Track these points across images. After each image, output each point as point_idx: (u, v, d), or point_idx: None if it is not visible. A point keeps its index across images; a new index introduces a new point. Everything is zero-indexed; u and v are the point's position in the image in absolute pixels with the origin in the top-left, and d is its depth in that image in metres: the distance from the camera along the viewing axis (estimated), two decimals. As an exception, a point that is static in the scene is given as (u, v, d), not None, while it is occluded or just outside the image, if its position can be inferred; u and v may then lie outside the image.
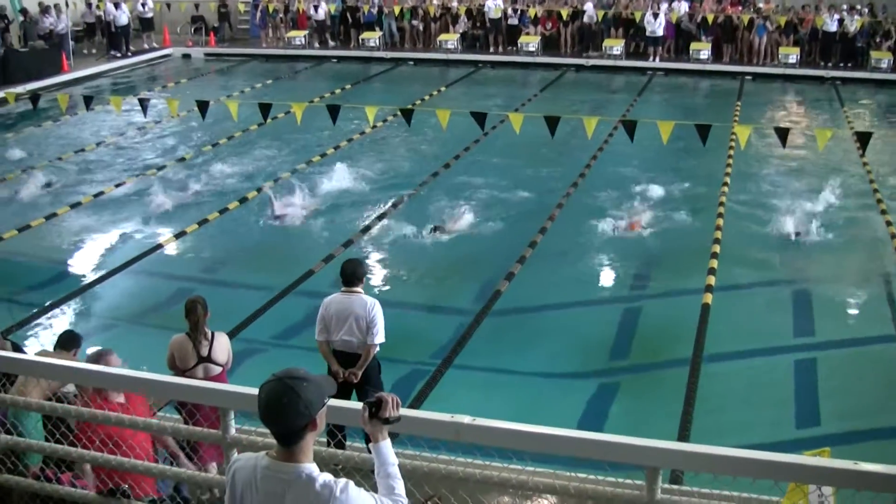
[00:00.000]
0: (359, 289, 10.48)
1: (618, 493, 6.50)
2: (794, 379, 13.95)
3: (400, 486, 5.14)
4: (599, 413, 12.81)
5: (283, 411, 4.66)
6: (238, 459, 5.00)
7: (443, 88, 35.00)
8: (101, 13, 41.53)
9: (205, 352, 9.90)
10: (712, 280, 16.47)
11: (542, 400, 12.94)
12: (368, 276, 12.15)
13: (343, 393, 9.77)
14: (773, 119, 30.30)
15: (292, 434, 4.72)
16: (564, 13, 40.31)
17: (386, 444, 5.18)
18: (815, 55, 37.89)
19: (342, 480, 4.76)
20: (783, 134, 17.79)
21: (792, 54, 37.09)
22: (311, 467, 4.75)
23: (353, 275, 10.47)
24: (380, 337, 10.31)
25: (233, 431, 7.12)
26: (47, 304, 16.08)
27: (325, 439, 8.72)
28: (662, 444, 6.23)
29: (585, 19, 39.86)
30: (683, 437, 11.35)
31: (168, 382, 7.73)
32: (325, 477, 4.73)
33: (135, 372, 7.71)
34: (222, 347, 10.11)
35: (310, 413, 4.69)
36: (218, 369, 9.98)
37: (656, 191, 21.92)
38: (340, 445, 8.02)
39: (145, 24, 42.58)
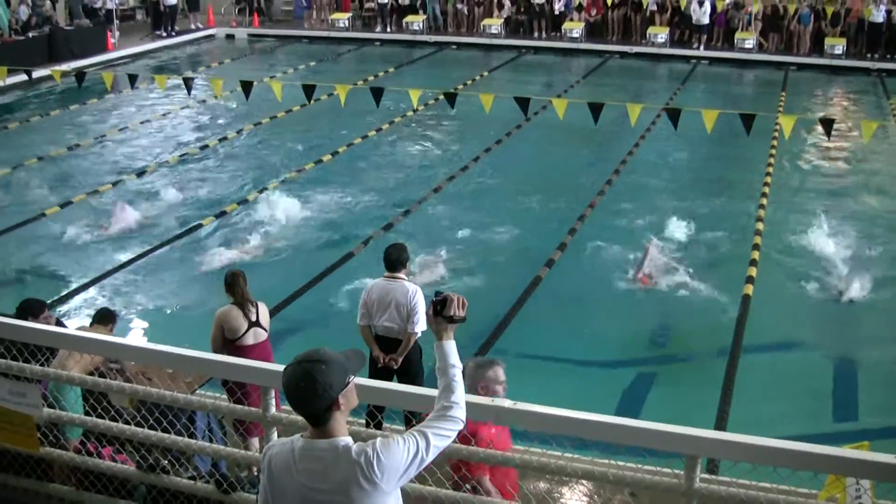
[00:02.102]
0: (402, 275, 10.47)
1: (656, 480, 6.47)
2: (832, 371, 13.87)
3: (459, 391, 5.10)
4: (636, 401, 12.79)
5: (303, 395, 4.68)
6: (272, 446, 5.00)
7: (485, 73, 34.90)
8: (151, -7, 41.75)
9: (253, 317, 10.12)
10: (753, 271, 16.39)
11: (580, 386, 12.93)
12: (414, 256, 12.12)
13: (384, 378, 9.75)
14: (819, 110, 30.01)
15: (318, 416, 4.73)
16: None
17: (450, 344, 5.17)
18: (861, 46, 37.42)
19: (374, 441, 4.75)
20: (828, 125, 17.63)
21: (838, 45, 36.64)
22: (346, 440, 4.75)
23: (396, 260, 10.46)
24: (421, 325, 10.27)
25: (273, 410, 7.14)
26: (85, 280, 16.21)
27: (363, 420, 8.74)
28: (703, 432, 6.20)
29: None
30: (720, 427, 11.33)
31: (210, 359, 7.75)
32: (358, 445, 4.73)
33: (178, 349, 7.74)
34: (265, 314, 10.37)
35: (330, 395, 4.68)
36: (265, 334, 10.23)
37: (699, 180, 21.83)
38: (379, 427, 8.05)
39: (191, 4, 42.72)
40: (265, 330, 10.22)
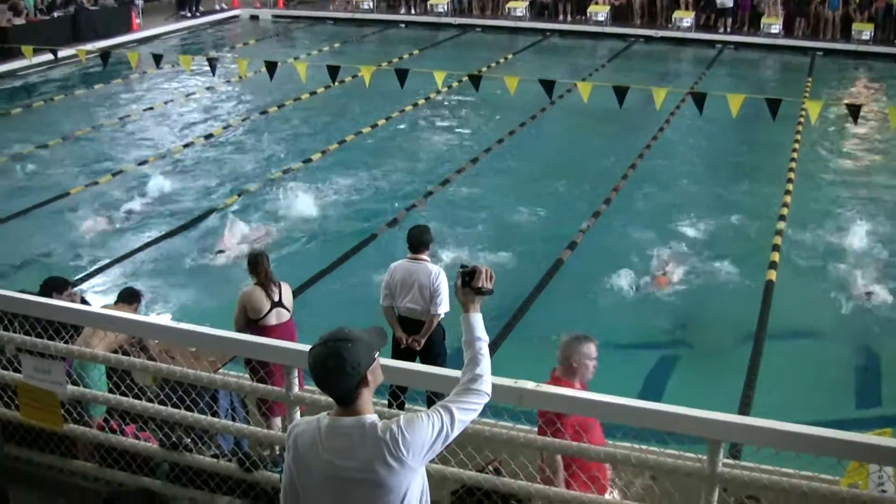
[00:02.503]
0: (425, 256, 10.45)
1: (678, 464, 6.45)
2: (855, 358, 13.81)
3: (485, 363, 5.04)
4: (657, 385, 12.76)
5: (331, 375, 4.66)
6: (298, 424, 4.97)
7: (510, 56, 34.79)
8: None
9: (276, 297, 10.12)
10: (777, 257, 16.32)
11: (601, 368, 12.90)
12: (436, 238, 12.09)
13: (406, 359, 9.74)
14: (845, 96, 29.78)
15: (346, 394, 4.71)
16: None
17: (476, 317, 5.13)
18: (889, 32, 37.05)
19: (398, 419, 4.74)
20: (855, 111, 17.53)
21: (866, 30, 36.31)
22: (372, 417, 4.74)
23: (419, 242, 10.44)
24: (444, 306, 10.28)
25: (296, 389, 7.14)
26: (108, 260, 16.28)
27: (386, 400, 8.75)
28: (726, 416, 6.18)
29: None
30: (743, 412, 11.28)
31: (234, 338, 7.76)
32: (384, 422, 4.72)
33: (201, 327, 7.75)
34: (289, 294, 10.37)
35: (358, 372, 4.67)
36: (288, 314, 10.23)
37: (724, 164, 21.74)
38: (401, 408, 8.05)
39: (216, -16, 42.76)
40: (288, 310, 10.21)
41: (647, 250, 16.71)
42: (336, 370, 4.64)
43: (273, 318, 10.05)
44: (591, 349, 7.61)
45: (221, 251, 16.57)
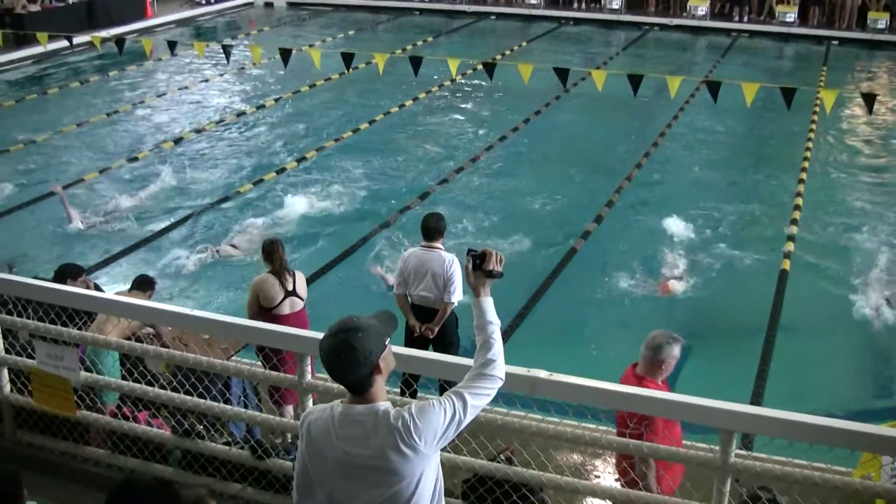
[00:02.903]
0: (438, 244, 10.40)
1: (690, 454, 6.46)
2: (869, 349, 13.77)
3: (497, 347, 5.01)
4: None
5: (344, 366, 4.65)
6: (311, 412, 4.97)
7: (524, 44, 34.70)
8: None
9: (290, 286, 10.05)
10: (791, 246, 16.28)
11: (615, 358, 12.93)
12: (450, 226, 12.03)
13: (419, 347, 9.69)
14: (861, 85, 29.62)
15: (359, 383, 4.70)
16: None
17: (487, 301, 5.10)
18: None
19: (410, 406, 4.74)
20: (870, 100, 17.44)
21: (881, 19, 36.08)
22: (385, 404, 4.74)
23: (434, 229, 10.38)
24: (457, 295, 10.24)
25: (309, 377, 7.16)
26: (122, 247, 16.30)
27: (398, 388, 8.76)
28: (740, 407, 6.18)
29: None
30: (756, 402, 11.25)
31: (247, 326, 7.78)
32: (396, 410, 4.72)
33: (215, 315, 7.76)
34: (303, 283, 10.29)
35: (371, 361, 4.66)
36: (301, 303, 10.16)
37: (738, 153, 21.69)
38: (414, 396, 8.06)
39: (230, -29, 42.70)
40: (302, 299, 10.16)
41: (660, 238, 16.69)
42: (348, 361, 4.63)
43: (286, 307, 10.00)
44: (678, 351, 7.57)
45: (236, 236, 16.61)
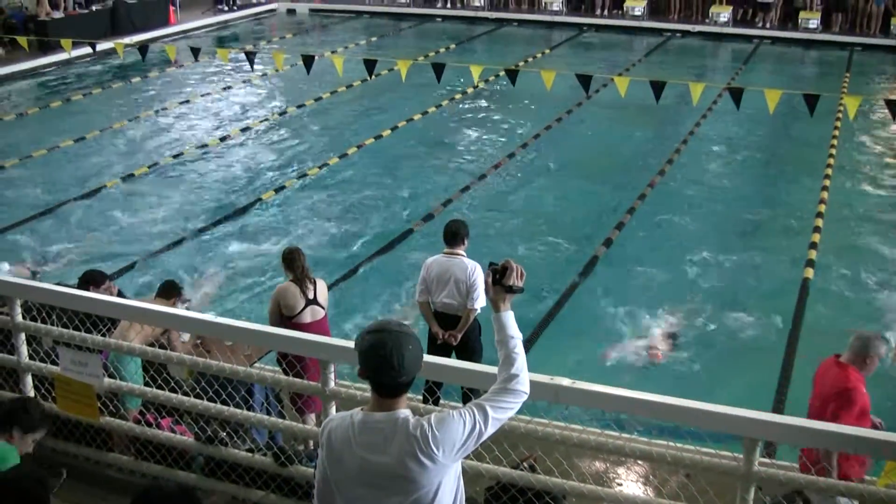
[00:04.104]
0: (461, 250, 10.37)
1: (714, 462, 6.44)
2: (892, 356, 13.69)
3: (520, 362, 4.98)
4: (691, 382, 12.68)
5: (391, 362, 4.62)
6: (332, 420, 4.96)
7: (547, 50, 34.73)
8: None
9: (311, 294, 10.02)
10: (814, 254, 16.22)
11: (635, 366, 12.92)
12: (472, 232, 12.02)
13: (442, 354, 9.66)
14: (884, 92, 29.48)
15: (394, 388, 4.69)
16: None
17: (508, 315, 5.06)
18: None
19: (429, 416, 4.73)
20: (894, 106, 17.35)
21: (905, 26, 36.01)
22: (405, 412, 4.74)
23: (455, 236, 10.36)
24: (480, 301, 10.16)
25: (332, 384, 7.16)
26: (146, 253, 16.34)
27: (421, 396, 8.75)
28: (764, 415, 6.16)
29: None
30: (777, 411, 11.22)
31: (270, 333, 7.79)
32: (415, 418, 4.72)
33: (238, 321, 7.78)
34: (324, 291, 10.27)
35: (414, 372, 4.69)
36: (322, 312, 10.14)
37: (761, 160, 21.63)
38: (437, 404, 8.06)
39: (253, -22, 42.89)
40: (323, 308, 10.15)
41: (683, 244, 16.68)
42: (397, 362, 4.62)
43: (307, 316, 9.97)
44: (885, 351, 8.10)
45: (257, 244, 16.66)
